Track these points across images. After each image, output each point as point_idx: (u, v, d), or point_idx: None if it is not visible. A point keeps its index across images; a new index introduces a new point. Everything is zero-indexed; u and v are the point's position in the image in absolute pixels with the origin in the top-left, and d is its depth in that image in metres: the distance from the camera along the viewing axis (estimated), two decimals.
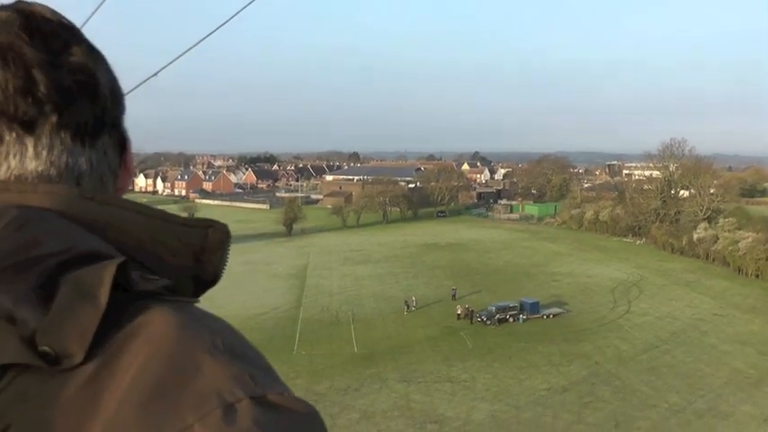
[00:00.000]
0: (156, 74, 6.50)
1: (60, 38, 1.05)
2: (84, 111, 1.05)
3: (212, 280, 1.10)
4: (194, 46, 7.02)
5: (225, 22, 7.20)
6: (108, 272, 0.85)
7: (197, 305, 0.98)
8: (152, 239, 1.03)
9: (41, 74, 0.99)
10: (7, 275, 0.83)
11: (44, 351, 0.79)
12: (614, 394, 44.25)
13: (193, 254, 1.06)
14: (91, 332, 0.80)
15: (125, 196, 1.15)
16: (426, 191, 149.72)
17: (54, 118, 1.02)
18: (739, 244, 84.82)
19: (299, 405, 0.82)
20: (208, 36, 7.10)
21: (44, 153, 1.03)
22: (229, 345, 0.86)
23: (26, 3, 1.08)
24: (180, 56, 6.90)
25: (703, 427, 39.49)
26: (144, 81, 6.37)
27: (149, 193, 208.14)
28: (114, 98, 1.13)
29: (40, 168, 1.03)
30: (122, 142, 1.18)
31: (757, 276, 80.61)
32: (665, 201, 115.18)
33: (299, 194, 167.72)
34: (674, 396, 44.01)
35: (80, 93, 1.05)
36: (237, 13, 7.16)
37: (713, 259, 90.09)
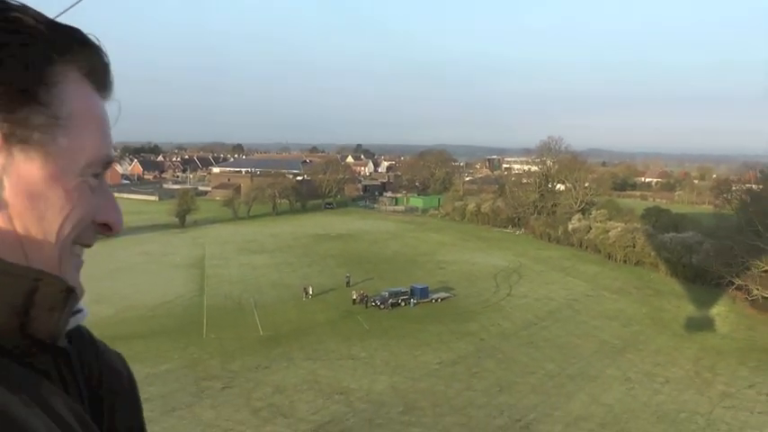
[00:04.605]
0: None
1: None
2: None
3: (51, 342, 1.03)
4: None
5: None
6: None
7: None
8: None
9: None
10: None
11: None
12: (498, 365, 48.70)
13: (11, 309, 1.00)
14: None
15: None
16: (314, 183, 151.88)
17: None
18: (609, 233, 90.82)
19: None
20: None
21: None
22: None
23: None
24: None
25: (575, 388, 44.54)
26: None
27: None
28: None
29: None
30: None
31: (625, 262, 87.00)
32: (542, 194, 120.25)
33: (188, 186, 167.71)
34: (551, 364, 49.02)
35: None
36: None
37: (586, 247, 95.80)
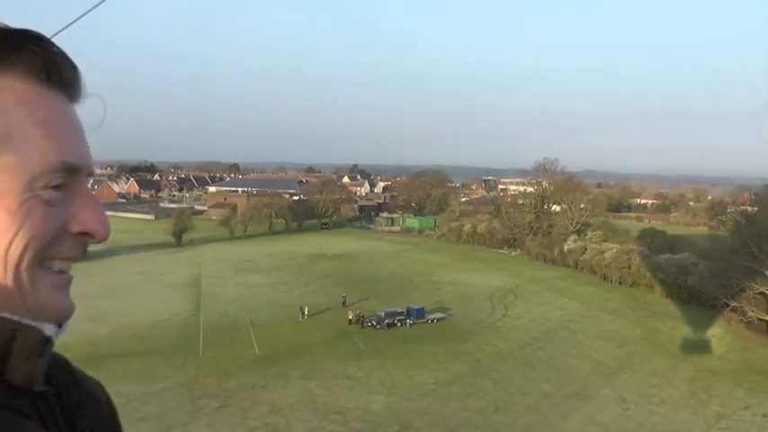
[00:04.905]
0: None
1: None
2: None
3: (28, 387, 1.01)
4: None
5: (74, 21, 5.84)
6: None
7: None
8: None
9: None
10: None
11: None
12: (494, 385, 48.68)
13: None
14: None
15: None
16: (310, 203, 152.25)
17: None
18: (605, 254, 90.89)
19: None
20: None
21: None
22: None
23: None
24: None
25: (570, 408, 44.62)
26: None
27: None
28: None
29: None
30: None
31: (620, 283, 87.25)
32: (538, 215, 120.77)
33: (184, 205, 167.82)
34: (546, 384, 49.07)
35: None
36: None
37: (582, 268, 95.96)
